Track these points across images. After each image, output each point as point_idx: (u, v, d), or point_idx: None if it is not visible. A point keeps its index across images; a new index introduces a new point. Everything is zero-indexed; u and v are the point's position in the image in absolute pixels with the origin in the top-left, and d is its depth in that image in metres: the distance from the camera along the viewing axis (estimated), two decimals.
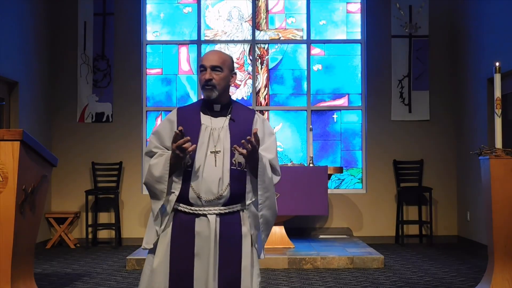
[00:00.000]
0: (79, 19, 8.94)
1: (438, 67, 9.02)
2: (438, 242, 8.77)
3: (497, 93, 4.91)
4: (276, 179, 3.01)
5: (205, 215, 2.91)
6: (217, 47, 9.24)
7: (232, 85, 3.08)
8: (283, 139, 9.17)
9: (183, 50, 9.23)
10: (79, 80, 8.92)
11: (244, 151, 2.82)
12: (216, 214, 2.91)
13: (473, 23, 8.38)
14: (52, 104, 8.92)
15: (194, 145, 2.87)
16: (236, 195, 2.95)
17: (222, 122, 2.99)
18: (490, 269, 4.92)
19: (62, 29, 8.98)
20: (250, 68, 9.21)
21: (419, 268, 6.76)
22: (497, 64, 4.91)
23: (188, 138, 2.84)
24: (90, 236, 8.75)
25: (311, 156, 7.89)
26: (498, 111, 4.90)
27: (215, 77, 2.95)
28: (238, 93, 9.22)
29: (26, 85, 8.03)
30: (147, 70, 9.16)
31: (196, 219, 2.91)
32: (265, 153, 2.98)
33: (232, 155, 2.93)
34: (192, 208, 2.92)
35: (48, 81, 8.84)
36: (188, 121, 2.98)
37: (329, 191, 8.32)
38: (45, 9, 8.74)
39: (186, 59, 9.18)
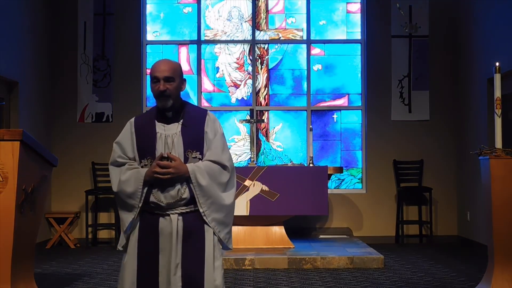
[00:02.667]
0: (79, 19, 8.94)
1: (438, 67, 9.02)
2: (438, 242, 8.77)
3: (497, 93, 4.91)
4: (224, 174, 3.15)
5: (168, 215, 3.11)
6: (217, 47, 9.24)
7: (183, 90, 3.23)
8: (283, 139, 9.18)
9: (183, 50, 9.23)
10: (79, 80, 8.92)
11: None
12: (178, 214, 3.11)
13: (473, 23, 8.38)
14: (52, 104, 8.92)
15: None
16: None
17: (175, 128, 3.16)
18: (490, 269, 4.92)
19: (62, 29, 8.98)
20: (250, 68, 9.22)
21: (419, 268, 6.76)
22: (497, 64, 4.92)
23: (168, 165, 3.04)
24: (90, 236, 8.75)
25: (311, 156, 7.89)
26: (498, 111, 4.90)
27: (168, 87, 3.11)
28: (238, 93, 9.22)
29: (26, 85, 8.03)
30: (147, 70, 9.16)
31: (160, 218, 3.11)
32: (210, 153, 3.13)
33: (186, 159, 3.11)
34: (156, 211, 3.12)
35: (48, 81, 8.84)
36: (144, 131, 3.17)
37: (329, 191, 8.32)
38: (45, 9, 8.74)
39: (186, 59, 9.18)
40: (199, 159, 3.13)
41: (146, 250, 3.10)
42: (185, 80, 3.23)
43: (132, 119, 3.27)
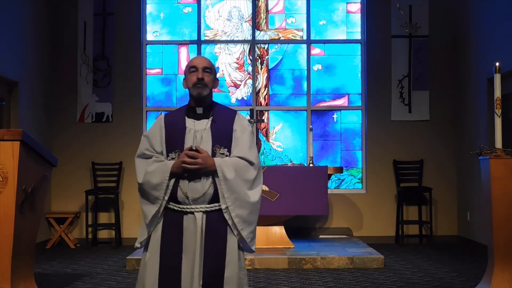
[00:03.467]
0: (79, 19, 8.94)
1: (438, 67, 9.03)
2: (438, 242, 8.77)
3: (497, 93, 4.91)
4: (251, 171, 3.16)
5: (192, 213, 3.11)
6: (217, 47, 9.24)
7: (215, 88, 3.29)
8: (283, 139, 9.18)
9: (183, 50, 9.23)
10: (79, 80, 8.92)
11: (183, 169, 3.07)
12: (203, 212, 3.11)
13: (473, 23, 8.38)
14: (52, 104, 8.92)
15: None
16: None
17: (205, 124, 3.20)
18: (490, 269, 4.92)
19: (62, 29, 8.98)
20: (250, 68, 9.21)
21: (419, 268, 6.76)
22: (497, 64, 4.91)
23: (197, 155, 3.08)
24: (90, 236, 8.75)
25: (311, 156, 7.89)
26: (498, 111, 4.90)
27: (206, 77, 3.18)
28: (238, 93, 9.22)
29: (26, 85, 8.03)
30: (147, 70, 9.17)
31: (184, 216, 3.12)
32: (237, 150, 3.17)
33: (213, 154, 3.14)
34: (181, 206, 3.13)
35: (48, 81, 8.84)
36: (174, 126, 3.22)
37: (329, 191, 8.32)
38: (45, 9, 8.74)
39: (186, 59, 9.18)
40: (226, 155, 3.15)
41: (169, 248, 3.10)
42: (218, 80, 3.30)
43: (163, 114, 3.33)
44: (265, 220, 7.41)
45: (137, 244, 3.24)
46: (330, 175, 7.60)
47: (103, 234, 8.94)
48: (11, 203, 4.31)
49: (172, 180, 3.11)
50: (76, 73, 8.93)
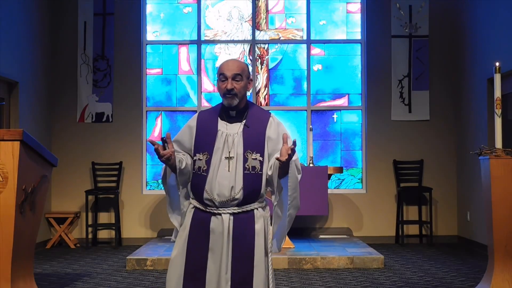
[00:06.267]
0: (79, 19, 8.94)
1: (438, 67, 9.03)
2: (438, 242, 8.77)
3: (497, 93, 4.91)
4: (299, 176, 3.16)
5: (219, 214, 3.10)
6: (217, 47, 9.24)
7: (249, 91, 3.25)
8: None
9: (183, 50, 9.23)
10: (79, 80, 8.92)
11: (284, 159, 2.97)
12: (230, 214, 3.10)
13: (473, 23, 8.38)
14: (52, 104, 8.92)
15: (170, 151, 3.04)
16: (250, 197, 3.12)
17: (237, 128, 3.16)
18: (490, 269, 4.92)
19: (62, 29, 8.98)
20: (250, 68, 9.19)
21: (419, 268, 6.76)
22: (497, 64, 4.92)
23: (158, 145, 3.02)
24: (90, 236, 8.75)
25: (311, 156, 7.89)
26: (498, 111, 4.90)
27: (236, 86, 3.11)
28: None
29: (26, 85, 8.03)
30: (147, 70, 9.16)
31: (212, 217, 3.11)
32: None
33: (245, 160, 3.10)
34: (208, 208, 3.13)
35: (48, 81, 8.84)
36: (206, 127, 3.18)
37: (329, 191, 8.32)
38: (45, 9, 8.74)
39: (186, 59, 9.18)
40: (260, 161, 3.11)
41: (195, 248, 3.10)
42: (251, 80, 3.23)
43: (196, 114, 3.30)
44: None
45: (173, 238, 3.25)
46: (330, 175, 7.60)
47: (103, 234, 8.94)
48: (11, 203, 4.31)
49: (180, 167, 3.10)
50: (76, 73, 8.93)
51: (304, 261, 6.78)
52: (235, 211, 3.09)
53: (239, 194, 3.07)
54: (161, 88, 9.16)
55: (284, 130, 3.18)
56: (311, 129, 8.24)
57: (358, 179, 9.12)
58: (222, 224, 3.07)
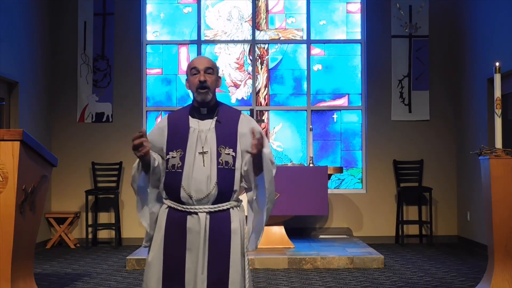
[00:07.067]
0: (79, 19, 8.94)
1: (438, 67, 9.02)
2: (438, 242, 8.77)
3: (497, 93, 4.91)
4: (274, 171, 3.16)
5: (196, 213, 3.08)
6: (217, 47, 9.24)
7: (218, 87, 3.25)
8: (283, 139, 9.18)
9: (183, 50, 9.23)
10: (79, 80, 8.92)
11: (253, 151, 2.98)
12: (206, 212, 3.08)
13: (473, 23, 8.38)
14: (52, 104, 8.92)
15: (147, 148, 3.00)
16: (224, 193, 3.10)
17: (209, 124, 3.16)
18: (490, 269, 4.92)
19: (62, 29, 8.98)
20: (250, 68, 9.21)
21: (419, 268, 6.76)
22: (497, 64, 4.92)
23: (139, 135, 2.98)
24: (90, 236, 8.75)
25: (311, 156, 7.89)
26: (498, 111, 4.90)
27: (208, 79, 3.12)
28: (238, 93, 9.22)
29: (26, 85, 8.03)
30: (147, 70, 9.17)
31: (188, 216, 3.08)
32: (263, 149, 3.12)
33: (218, 155, 3.10)
34: (184, 206, 3.09)
35: (48, 81, 8.84)
36: (177, 126, 3.18)
37: (329, 191, 8.32)
38: (45, 9, 8.74)
39: (186, 59, 9.18)
40: (232, 156, 3.11)
41: (173, 248, 3.07)
42: (220, 78, 3.24)
43: (166, 115, 3.30)
44: None
45: (144, 243, 3.22)
46: (330, 175, 7.60)
47: (103, 234, 8.94)
48: (11, 203, 4.31)
49: (153, 170, 3.08)
50: (76, 73, 8.93)
51: (304, 261, 6.78)
52: (211, 209, 3.08)
53: (214, 190, 3.06)
54: (161, 88, 9.16)
55: (256, 126, 3.18)
56: (311, 129, 8.24)
57: (358, 179, 9.12)
58: (198, 223, 3.05)
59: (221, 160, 3.09)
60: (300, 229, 8.68)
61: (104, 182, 8.83)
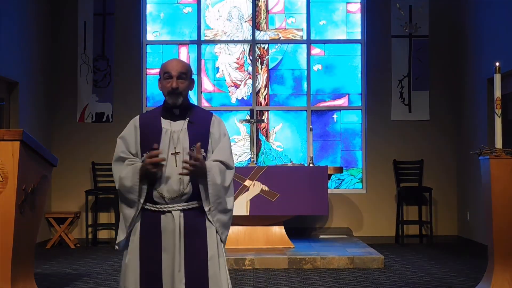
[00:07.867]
0: (79, 19, 8.94)
1: (438, 67, 9.03)
2: (438, 242, 8.77)
3: (497, 93, 4.91)
4: (229, 173, 3.18)
5: (169, 212, 3.10)
6: (217, 47, 9.24)
7: (191, 90, 3.30)
8: (283, 139, 9.18)
9: (183, 50, 9.23)
10: (79, 80, 8.92)
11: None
12: (180, 210, 3.10)
13: (473, 23, 8.38)
14: (52, 104, 8.92)
15: (164, 157, 3.08)
16: (197, 191, 3.12)
17: (181, 125, 3.19)
18: (490, 269, 4.92)
19: (62, 29, 8.99)
20: (250, 68, 9.22)
21: (419, 268, 6.76)
22: (497, 64, 4.92)
23: (158, 153, 3.05)
24: (90, 236, 8.76)
25: (311, 156, 7.89)
26: (498, 111, 4.90)
27: (180, 85, 3.17)
28: (238, 93, 9.22)
29: (26, 85, 8.03)
30: (147, 70, 9.17)
31: (162, 216, 3.11)
32: (219, 153, 3.17)
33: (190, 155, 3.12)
34: (157, 206, 3.12)
35: (48, 81, 8.84)
36: (149, 126, 3.20)
37: (329, 191, 8.32)
38: (45, 10, 8.74)
39: (186, 59, 9.18)
40: (204, 156, 3.13)
41: (149, 249, 3.09)
42: (193, 80, 3.29)
43: (137, 116, 3.30)
44: (265, 220, 7.42)
45: (116, 247, 3.22)
46: (330, 175, 7.60)
47: (103, 234, 8.94)
48: (11, 203, 4.31)
49: (145, 182, 3.09)
50: (76, 73, 8.94)
51: (304, 261, 6.78)
52: (185, 207, 3.10)
53: (187, 188, 3.09)
54: None
55: (225, 129, 3.25)
56: (311, 129, 8.24)
57: (358, 179, 9.12)
58: (173, 222, 3.07)
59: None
60: (300, 229, 8.68)
61: (104, 182, 8.82)
